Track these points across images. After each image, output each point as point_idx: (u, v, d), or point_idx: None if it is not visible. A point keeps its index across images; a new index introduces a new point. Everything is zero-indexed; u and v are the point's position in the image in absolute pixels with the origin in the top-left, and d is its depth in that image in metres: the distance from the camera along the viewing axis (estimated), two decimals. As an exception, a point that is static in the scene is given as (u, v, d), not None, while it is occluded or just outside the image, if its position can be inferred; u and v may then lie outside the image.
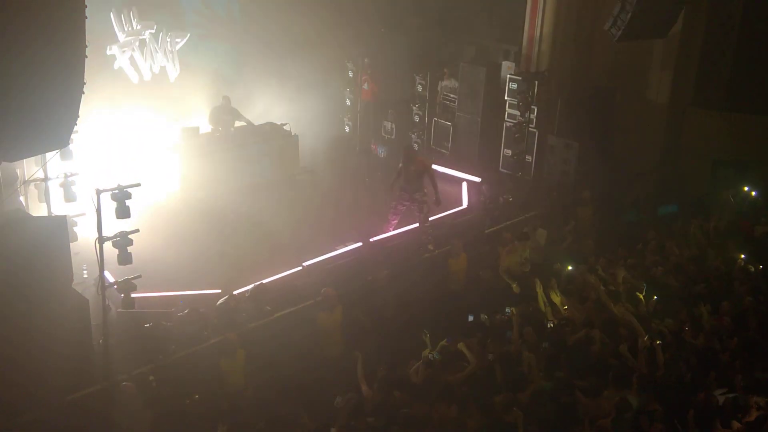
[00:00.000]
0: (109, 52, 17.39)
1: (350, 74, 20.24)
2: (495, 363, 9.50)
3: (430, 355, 9.82)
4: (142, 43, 17.85)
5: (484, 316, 11.01)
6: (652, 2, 14.54)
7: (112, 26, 17.16)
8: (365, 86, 20.32)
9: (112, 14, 17.12)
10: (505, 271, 13.02)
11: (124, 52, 17.51)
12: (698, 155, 16.82)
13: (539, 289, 11.33)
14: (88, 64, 8.70)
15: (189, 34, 18.20)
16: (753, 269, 12.22)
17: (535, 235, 14.02)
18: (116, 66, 17.64)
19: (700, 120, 16.94)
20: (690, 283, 11.87)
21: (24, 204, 13.04)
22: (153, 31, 17.84)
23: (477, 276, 13.43)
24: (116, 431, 9.34)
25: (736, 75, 16.60)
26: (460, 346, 9.83)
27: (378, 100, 20.56)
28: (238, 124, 17.75)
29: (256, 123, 18.08)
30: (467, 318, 11.19)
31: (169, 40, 18.07)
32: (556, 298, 11.22)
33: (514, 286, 12.48)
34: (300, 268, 13.31)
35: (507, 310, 10.81)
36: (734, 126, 16.48)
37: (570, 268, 12.49)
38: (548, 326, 10.43)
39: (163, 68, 18.26)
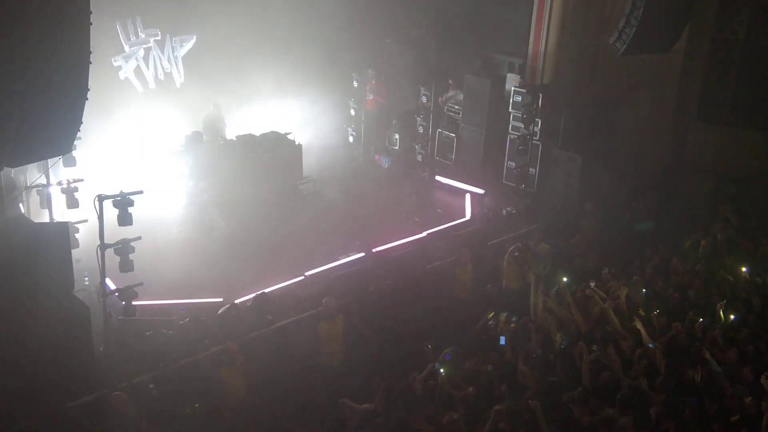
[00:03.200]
0: (115, 64, 17.48)
1: (355, 84, 20.28)
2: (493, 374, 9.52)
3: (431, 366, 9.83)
4: (147, 51, 17.94)
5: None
6: (657, 17, 14.55)
7: (119, 37, 17.27)
8: (369, 96, 20.37)
9: (118, 25, 17.23)
10: (506, 284, 13.03)
11: (128, 62, 17.61)
12: (701, 170, 16.79)
13: (536, 299, 11.35)
14: (93, 70, 8.72)
15: (195, 37, 18.19)
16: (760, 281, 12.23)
17: (538, 248, 14.03)
18: (122, 76, 17.72)
19: (704, 135, 16.91)
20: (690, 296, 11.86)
21: (25, 210, 13.04)
22: (158, 38, 17.95)
23: (480, 287, 13.45)
24: None
25: (740, 91, 16.54)
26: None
27: (383, 111, 20.58)
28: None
29: (260, 132, 18.12)
30: (467, 328, 11.24)
31: (173, 46, 18.13)
32: (561, 311, 11.18)
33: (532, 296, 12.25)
34: (302, 277, 13.29)
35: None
36: (738, 142, 16.45)
37: (566, 280, 12.53)
38: (560, 346, 10.39)
39: (168, 75, 18.32)
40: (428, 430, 8.50)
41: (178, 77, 18.41)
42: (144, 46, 17.83)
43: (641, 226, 15.46)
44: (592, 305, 11.19)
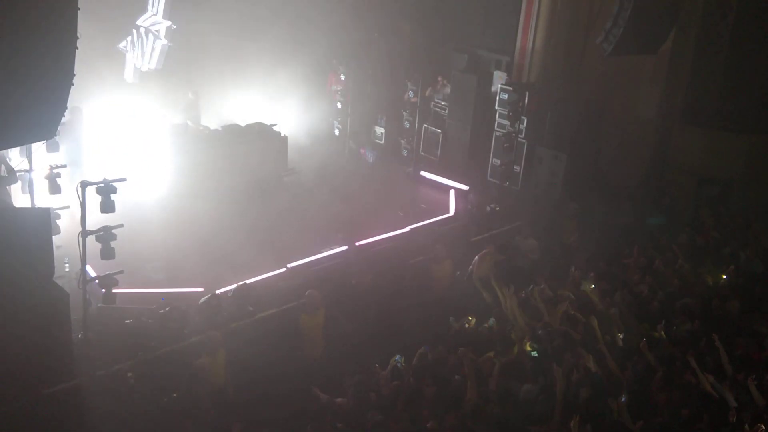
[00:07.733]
0: (121, 46, 17.30)
1: (342, 78, 20.26)
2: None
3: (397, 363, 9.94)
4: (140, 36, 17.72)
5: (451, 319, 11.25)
6: (644, 19, 14.62)
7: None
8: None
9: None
10: (477, 278, 13.04)
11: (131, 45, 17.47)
12: (684, 171, 16.90)
13: (504, 296, 11.41)
14: (79, 56, 8.66)
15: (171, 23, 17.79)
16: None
17: (525, 243, 14.10)
18: (126, 71, 17.58)
19: (688, 137, 17.01)
20: (672, 299, 11.85)
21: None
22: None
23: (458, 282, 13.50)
24: None
25: (725, 93, 16.68)
26: None
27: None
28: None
29: (246, 122, 18.05)
30: (448, 324, 11.26)
31: (153, 33, 17.84)
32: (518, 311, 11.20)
33: (485, 294, 12.22)
34: (284, 269, 13.28)
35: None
36: (721, 144, 16.56)
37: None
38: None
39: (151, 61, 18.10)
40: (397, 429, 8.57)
41: (157, 63, 18.11)
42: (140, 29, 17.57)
43: (654, 220, 15.41)
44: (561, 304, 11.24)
